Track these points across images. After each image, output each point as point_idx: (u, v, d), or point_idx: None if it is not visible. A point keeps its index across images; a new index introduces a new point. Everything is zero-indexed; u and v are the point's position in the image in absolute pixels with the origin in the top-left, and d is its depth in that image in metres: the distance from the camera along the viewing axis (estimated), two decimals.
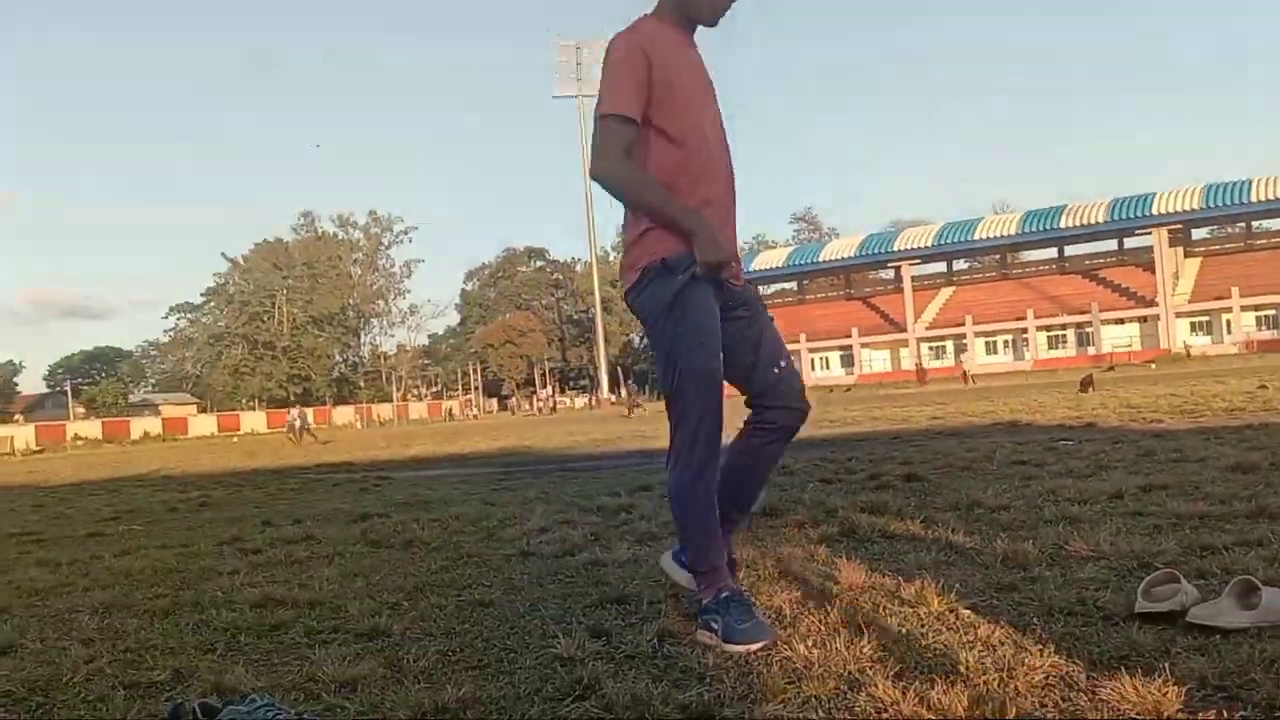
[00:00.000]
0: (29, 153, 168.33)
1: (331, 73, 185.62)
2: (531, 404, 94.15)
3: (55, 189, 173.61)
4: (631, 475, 11.63)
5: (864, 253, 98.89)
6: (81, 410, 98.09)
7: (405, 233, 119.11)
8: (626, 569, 5.44)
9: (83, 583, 6.41)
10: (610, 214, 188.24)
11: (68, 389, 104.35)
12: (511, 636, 4.13)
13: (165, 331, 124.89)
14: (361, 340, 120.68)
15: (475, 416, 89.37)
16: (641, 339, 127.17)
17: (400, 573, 5.93)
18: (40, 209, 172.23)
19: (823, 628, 3.82)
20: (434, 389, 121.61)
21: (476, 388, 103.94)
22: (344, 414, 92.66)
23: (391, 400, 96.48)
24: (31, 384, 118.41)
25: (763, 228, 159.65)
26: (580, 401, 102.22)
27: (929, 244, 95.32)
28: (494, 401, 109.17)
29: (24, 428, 71.39)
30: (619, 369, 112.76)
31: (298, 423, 43.52)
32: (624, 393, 58.33)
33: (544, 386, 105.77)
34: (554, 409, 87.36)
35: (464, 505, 9.51)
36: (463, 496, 10.65)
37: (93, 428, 75.74)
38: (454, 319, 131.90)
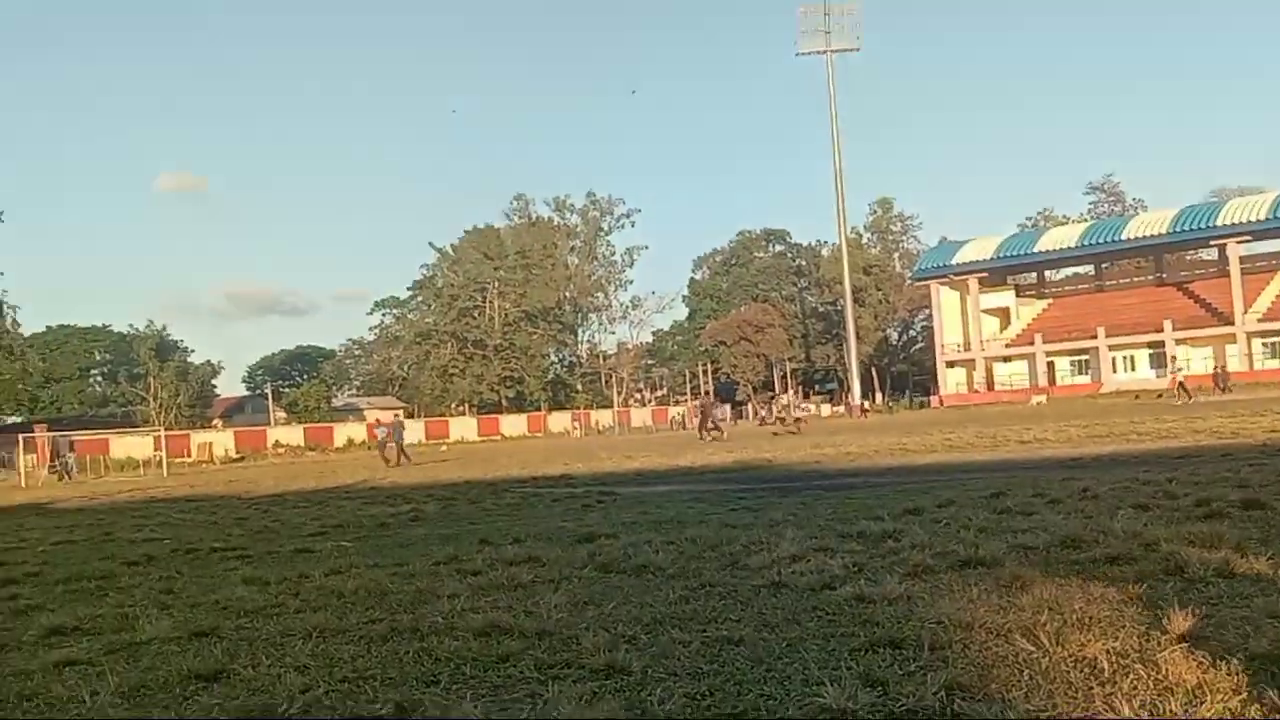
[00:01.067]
0: (221, 136, 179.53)
1: (540, 40, 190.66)
2: (770, 411, 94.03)
3: (250, 175, 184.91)
4: (894, 496, 11.43)
5: (1179, 229, 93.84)
6: (282, 415, 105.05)
7: (627, 216, 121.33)
8: (899, 607, 5.34)
9: (293, 604, 6.83)
10: (864, 189, 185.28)
11: (268, 392, 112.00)
12: (768, 681, 4.12)
13: (370, 329, 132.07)
14: (579, 338, 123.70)
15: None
16: (902, 334, 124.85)
17: (635, 602, 6.03)
18: (235, 196, 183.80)
19: (1151, 686, 3.63)
20: (659, 392, 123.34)
21: (706, 391, 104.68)
22: (560, 420, 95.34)
23: (612, 405, 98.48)
24: (231, 386, 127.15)
25: (1050, 200, 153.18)
26: (827, 409, 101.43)
27: (1262, 217, 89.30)
28: (726, 407, 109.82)
29: (223, 434, 76.85)
30: (873, 370, 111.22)
31: (390, 440, 38.38)
32: (777, 406, 52.79)
33: (784, 390, 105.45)
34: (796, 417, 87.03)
35: (700, 526, 9.58)
36: (698, 516, 10.73)
37: (294, 434, 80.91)
38: (681, 313, 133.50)
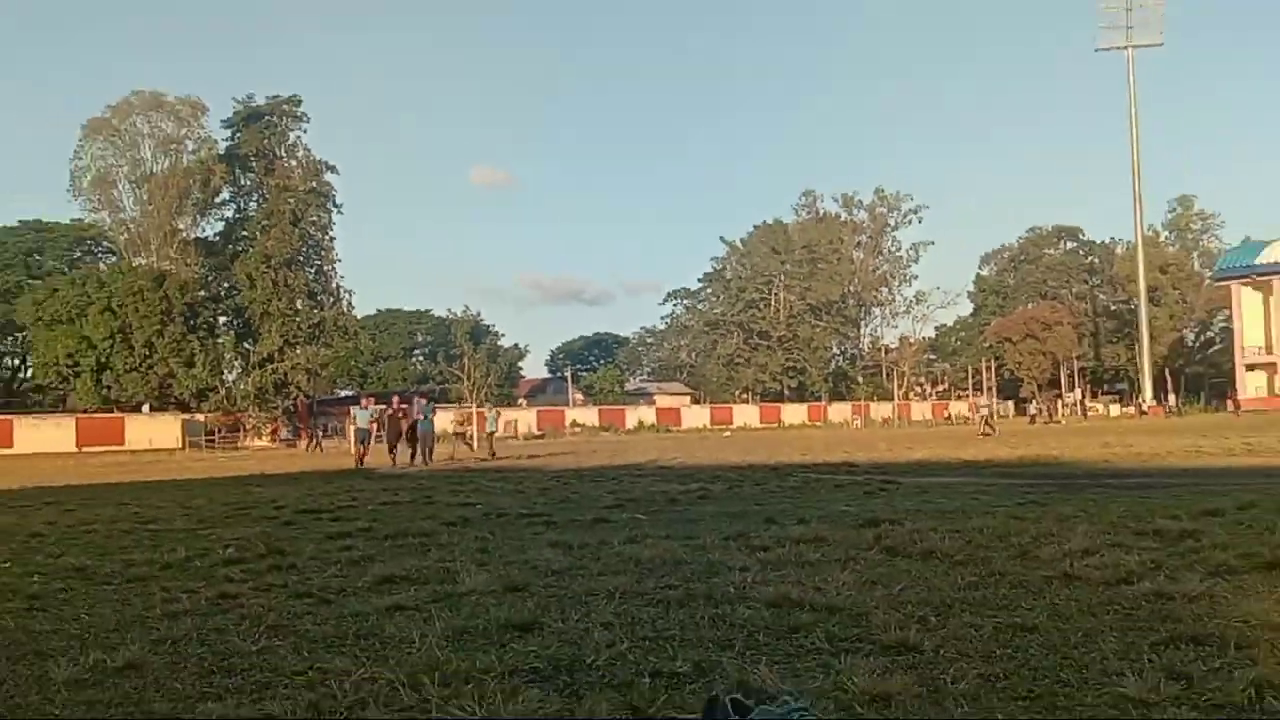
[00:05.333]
0: (525, 135, 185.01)
1: (827, 33, 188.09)
2: (1055, 409, 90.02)
3: (552, 171, 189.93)
4: (1191, 497, 10.78)
5: None
6: (579, 396, 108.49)
7: (914, 212, 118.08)
8: (1201, 605, 5.04)
9: (595, 567, 7.07)
10: (1163, 185, 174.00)
11: (567, 375, 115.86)
12: (1064, 668, 3.97)
13: (662, 318, 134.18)
14: (861, 331, 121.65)
15: (986, 420, 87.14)
16: (1199, 335, 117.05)
17: (923, 585, 5.92)
18: (539, 191, 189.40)
19: None
20: (940, 388, 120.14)
21: (990, 388, 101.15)
22: (840, 411, 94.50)
23: (892, 398, 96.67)
24: (534, 368, 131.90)
25: None
26: (1116, 409, 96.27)
27: None
28: (1010, 404, 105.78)
29: (527, 412, 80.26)
30: (1166, 372, 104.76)
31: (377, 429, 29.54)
32: (984, 409, 51.29)
33: (1072, 389, 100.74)
34: (1084, 415, 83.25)
35: (986, 517, 9.31)
36: (983, 507, 10.43)
37: (590, 415, 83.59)
38: (966, 309, 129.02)
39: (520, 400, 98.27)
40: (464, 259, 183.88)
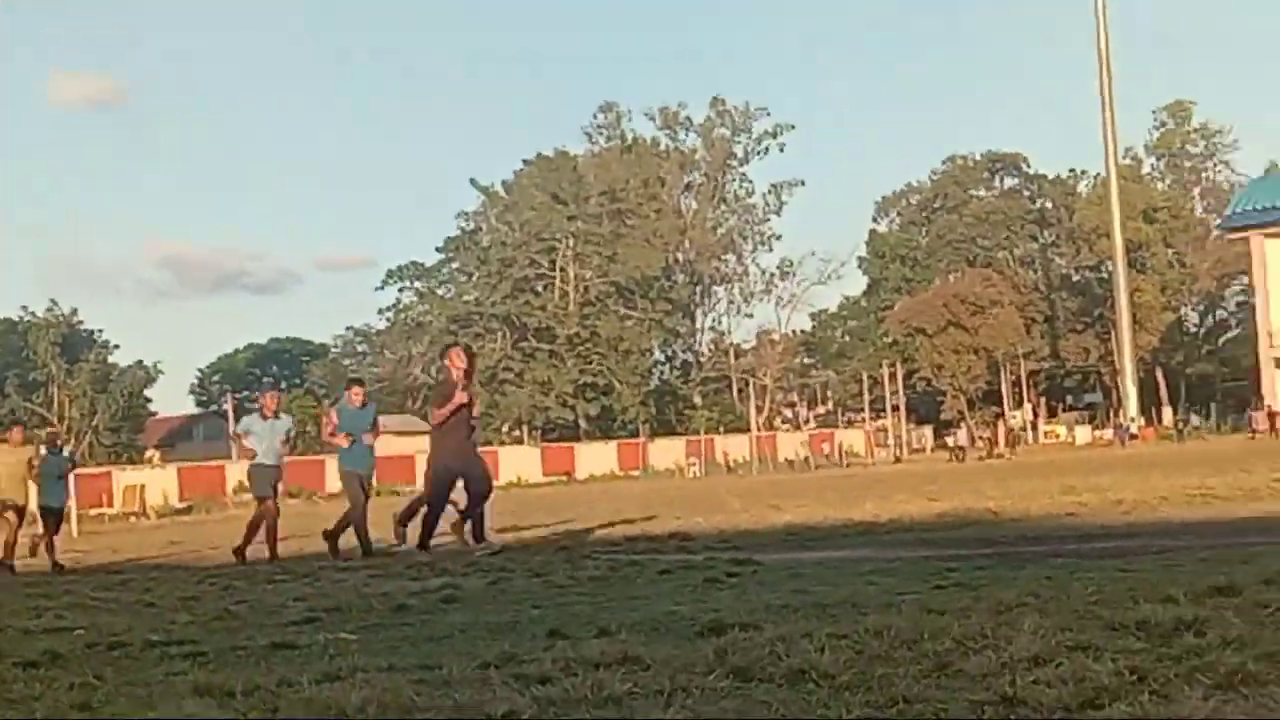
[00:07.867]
0: (142, 25, 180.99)
1: None
2: (996, 436, 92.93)
3: (190, 82, 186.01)
4: (1194, 567, 11.26)
5: None
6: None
7: (774, 135, 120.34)
8: None
9: None
10: (1146, 89, 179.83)
11: (228, 408, 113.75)
12: None
13: (380, 312, 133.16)
14: (698, 324, 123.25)
15: (897, 459, 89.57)
16: (1205, 315, 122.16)
17: None
18: (168, 114, 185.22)
19: None
20: (819, 410, 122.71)
21: (894, 407, 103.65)
22: (668, 450, 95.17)
23: (750, 429, 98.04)
24: (173, 400, 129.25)
25: None
26: (1084, 433, 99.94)
27: None
28: (927, 430, 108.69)
29: (161, 472, 78.08)
30: (1159, 372, 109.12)
31: None
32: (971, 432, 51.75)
33: (1019, 404, 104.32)
34: (1038, 443, 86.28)
35: (889, 613, 9.50)
36: (885, 595, 10.69)
37: None
38: (856, 284, 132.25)
39: (150, 452, 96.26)
40: (47, 230, 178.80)
